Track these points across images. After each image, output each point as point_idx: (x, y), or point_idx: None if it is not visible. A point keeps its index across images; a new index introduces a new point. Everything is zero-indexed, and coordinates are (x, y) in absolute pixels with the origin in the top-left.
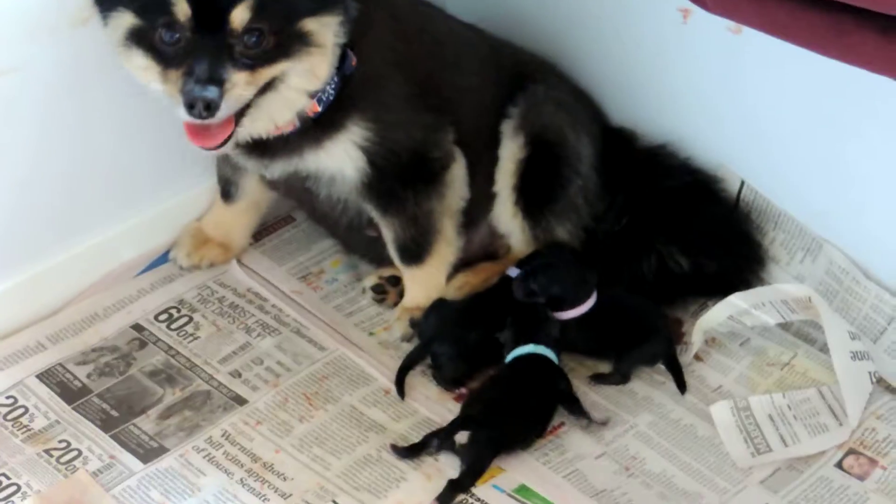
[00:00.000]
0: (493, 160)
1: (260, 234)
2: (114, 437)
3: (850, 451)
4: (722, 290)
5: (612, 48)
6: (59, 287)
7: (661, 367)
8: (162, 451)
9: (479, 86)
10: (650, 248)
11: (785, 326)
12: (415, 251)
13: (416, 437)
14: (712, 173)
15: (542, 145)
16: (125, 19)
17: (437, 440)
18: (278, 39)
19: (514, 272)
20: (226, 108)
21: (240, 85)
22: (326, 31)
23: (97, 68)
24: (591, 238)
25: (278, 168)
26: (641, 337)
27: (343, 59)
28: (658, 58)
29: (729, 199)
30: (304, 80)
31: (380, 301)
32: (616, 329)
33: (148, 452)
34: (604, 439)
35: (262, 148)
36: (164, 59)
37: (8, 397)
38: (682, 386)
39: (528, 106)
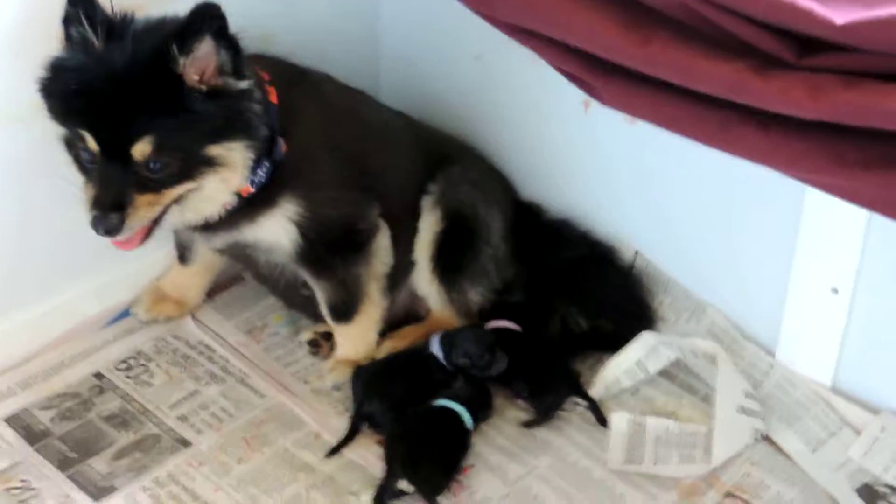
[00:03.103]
0: (414, 231)
1: (213, 290)
2: (69, 477)
3: (728, 495)
4: (616, 346)
5: (524, 132)
6: (33, 338)
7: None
8: (112, 490)
9: (404, 165)
10: (554, 311)
11: (670, 378)
12: (344, 311)
13: (341, 478)
14: (609, 244)
15: (457, 219)
16: (59, 128)
17: (387, 496)
18: (183, 164)
19: (435, 342)
20: (128, 229)
21: (143, 207)
22: (232, 154)
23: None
24: (502, 304)
25: (220, 240)
26: (549, 381)
27: (273, 144)
28: (563, 141)
29: (624, 266)
30: (218, 188)
31: (314, 353)
32: (527, 375)
33: (99, 491)
34: (508, 480)
35: (204, 225)
36: (85, 172)
37: None
38: (602, 420)
39: (445, 184)
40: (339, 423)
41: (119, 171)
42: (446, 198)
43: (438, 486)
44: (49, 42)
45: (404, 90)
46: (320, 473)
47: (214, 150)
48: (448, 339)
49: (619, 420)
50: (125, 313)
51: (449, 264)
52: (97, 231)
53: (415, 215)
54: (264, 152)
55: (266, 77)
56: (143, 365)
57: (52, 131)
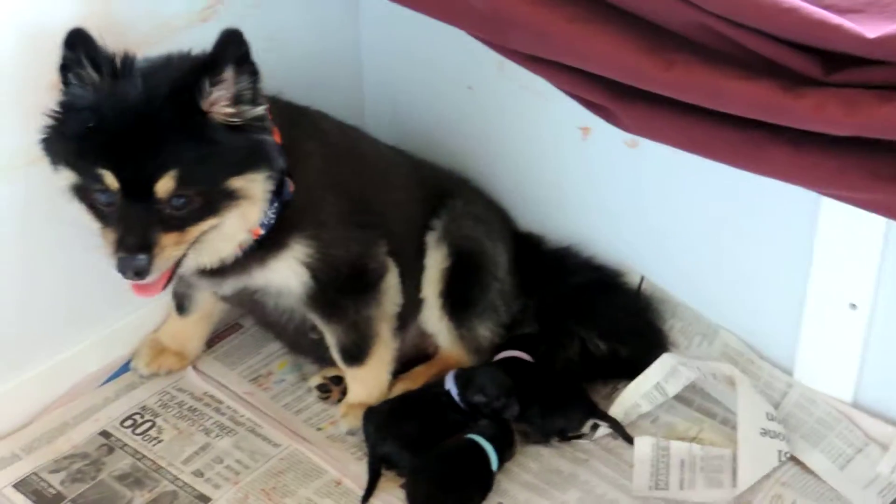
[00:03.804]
0: (420, 268)
1: (211, 341)
2: None
3: None
4: (632, 373)
5: (519, 162)
6: (31, 400)
7: (583, 443)
8: None
9: (405, 201)
10: (572, 335)
11: (687, 403)
12: (356, 354)
13: None
14: (615, 269)
15: (463, 255)
16: (68, 175)
17: None
18: (206, 199)
19: (450, 380)
20: (156, 270)
21: (169, 246)
22: (254, 185)
23: (51, 203)
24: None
25: (229, 286)
26: (561, 404)
27: (281, 185)
28: (560, 169)
29: (631, 291)
30: (237, 225)
31: (324, 399)
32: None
33: None
34: None
35: (213, 270)
36: (102, 217)
37: None
38: (627, 438)
39: (449, 220)
40: (359, 469)
41: (142, 210)
42: (451, 233)
43: None
44: (43, 92)
45: (390, 124)
46: None
47: (237, 183)
48: (464, 377)
49: (642, 445)
50: (124, 368)
51: (458, 301)
52: (125, 274)
53: (420, 252)
54: (270, 198)
55: (270, 117)
56: (149, 420)
57: (53, 182)
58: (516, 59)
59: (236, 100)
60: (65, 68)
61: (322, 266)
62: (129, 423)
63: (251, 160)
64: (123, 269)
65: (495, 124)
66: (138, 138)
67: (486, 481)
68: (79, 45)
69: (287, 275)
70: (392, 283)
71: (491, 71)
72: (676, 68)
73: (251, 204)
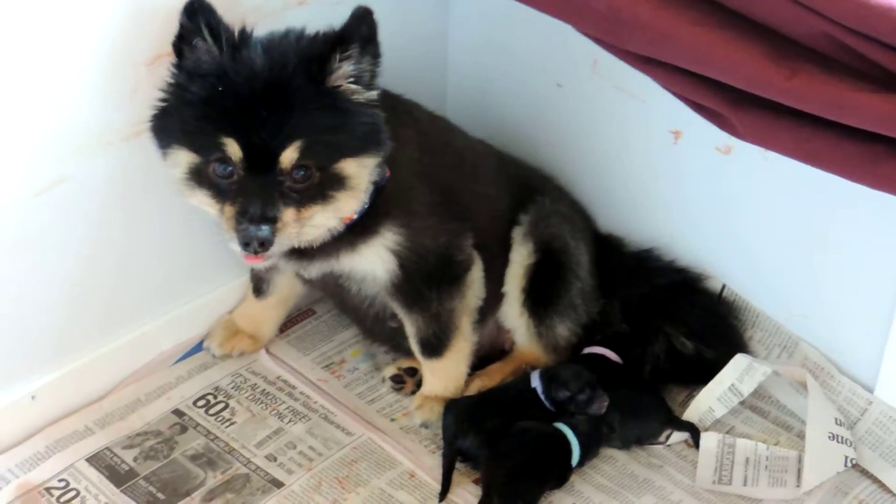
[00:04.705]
0: (503, 263)
1: (285, 326)
2: None
3: None
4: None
5: (605, 164)
6: (105, 375)
7: (657, 448)
8: None
9: (494, 195)
10: (658, 332)
11: (763, 414)
12: (435, 345)
13: None
14: (698, 272)
15: (547, 253)
16: (182, 156)
17: None
18: (323, 178)
19: (535, 377)
20: (278, 246)
21: (290, 223)
22: (364, 172)
23: (142, 179)
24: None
25: (316, 269)
26: (640, 412)
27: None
28: (647, 173)
29: (713, 295)
30: (342, 210)
31: (397, 390)
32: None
33: None
34: None
35: (301, 251)
36: (220, 193)
37: (60, 480)
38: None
39: (536, 216)
40: (433, 462)
41: (264, 182)
42: (538, 230)
43: None
44: (142, 69)
45: (472, 117)
46: None
47: (351, 168)
48: (548, 375)
49: (708, 440)
50: (197, 348)
51: (539, 298)
52: (248, 246)
53: (504, 246)
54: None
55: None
56: (222, 402)
57: (150, 157)
58: (629, 59)
59: (357, 79)
60: (181, 38)
61: (410, 255)
62: (202, 403)
63: (368, 142)
64: (247, 239)
65: (584, 123)
66: (266, 106)
67: (563, 474)
68: (199, 13)
69: (374, 261)
70: (476, 276)
71: (584, 70)
72: (799, 77)
73: (357, 193)
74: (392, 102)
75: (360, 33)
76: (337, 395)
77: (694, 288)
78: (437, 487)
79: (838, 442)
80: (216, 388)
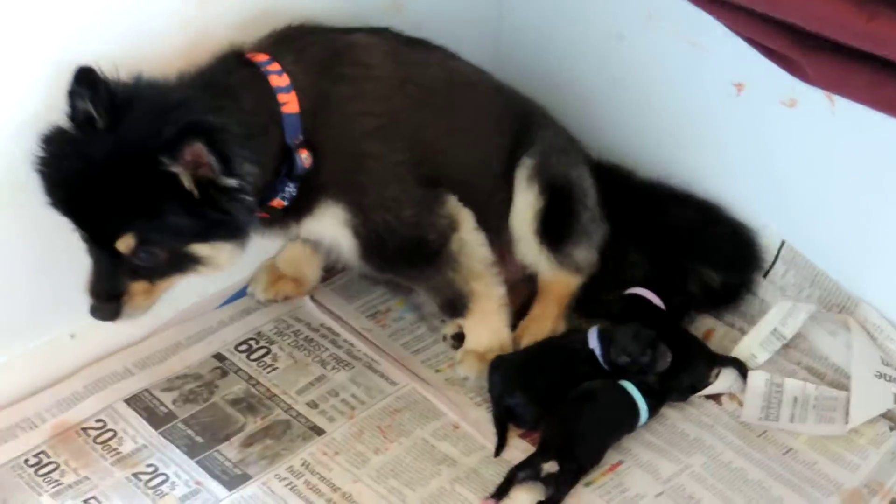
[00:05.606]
0: (502, 200)
1: (329, 273)
2: (199, 464)
3: (894, 502)
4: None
5: (664, 116)
6: (146, 317)
7: (710, 406)
8: (245, 478)
9: (481, 132)
10: (688, 270)
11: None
12: (456, 308)
13: (485, 471)
14: (714, 201)
15: (554, 191)
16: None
17: (523, 473)
18: (171, 257)
19: (593, 337)
20: (128, 316)
21: (139, 294)
22: (220, 254)
23: None
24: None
25: (292, 234)
26: (687, 360)
27: (291, 162)
28: (708, 126)
29: (734, 219)
30: (212, 272)
31: (456, 348)
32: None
33: (232, 479)
34: (661, 478)
35: (268, 221)
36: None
37: (98, 420)
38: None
39: (541, 157)
40: (478, 415)
41: (110, 258)
42: (544, 171)
43: (582, 470)
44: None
45: (525, 70)
46: (463, 466)
47: (202, 250)
48: (607, 336)
49: (756, 378)
50: (240, 293)
51: (554, 234)
52: (97, 318)
53: (501, 182)
54: (283, 172)
55: (286, 82)
56: (264, 347)
57: None
58: (698, 1)
59: (210, 167)
60: (72, 96)
61: (366, 232)
62: (243, 347)
63: (217, 230)
64: (94, 315)
65: (642, 75)
66: (99, 196)
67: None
68: (83, 83)
69: (331, 233)
70: (468, 239)
71: (639, 20)
72: (880, 19)
73: (220, 265)
74: (328, 59)
75: (190, 141)
76: (381, 344)
77: (715, 214)
78: (482, 440)
79: (886, 380)
80: (258, 334)
